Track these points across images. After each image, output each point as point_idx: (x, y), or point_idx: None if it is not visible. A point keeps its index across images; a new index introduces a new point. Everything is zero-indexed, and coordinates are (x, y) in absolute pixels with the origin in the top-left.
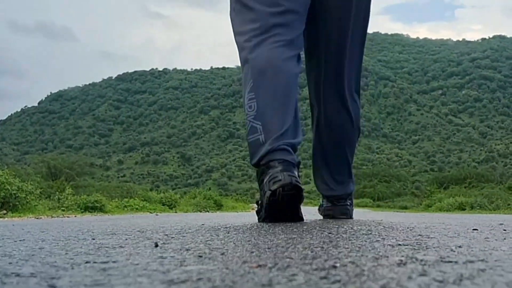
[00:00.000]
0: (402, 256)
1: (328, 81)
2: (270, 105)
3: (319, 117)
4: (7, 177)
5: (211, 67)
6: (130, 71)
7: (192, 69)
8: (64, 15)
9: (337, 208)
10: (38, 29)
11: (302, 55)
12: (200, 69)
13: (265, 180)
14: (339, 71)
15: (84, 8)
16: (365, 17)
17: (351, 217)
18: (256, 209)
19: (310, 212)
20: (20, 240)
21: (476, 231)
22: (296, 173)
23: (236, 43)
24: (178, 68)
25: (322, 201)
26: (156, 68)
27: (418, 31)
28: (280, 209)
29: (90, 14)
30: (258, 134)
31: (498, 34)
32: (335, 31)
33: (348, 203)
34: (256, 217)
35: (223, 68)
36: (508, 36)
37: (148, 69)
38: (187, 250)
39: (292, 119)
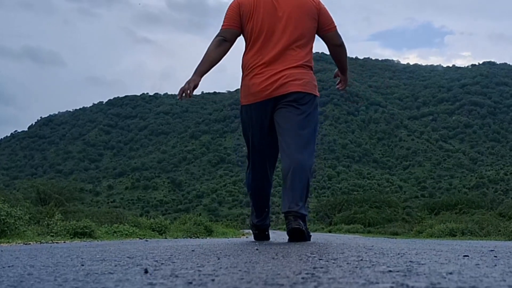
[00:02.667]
0: (393, 282)
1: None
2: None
3: None
4: None
5: (202, 92)
6: (120, 96)
7: None
8: (50, 40)
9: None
10: (25, 53)
11: None
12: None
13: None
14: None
15: (70, 32)
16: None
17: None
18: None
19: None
20: (8, 266)
21: (467, 257)
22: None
23: None
24: (169, 93)
25: None
26: (147, 93)
27: (408, 57)
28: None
29: (77, 39)
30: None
31: (488, 60)
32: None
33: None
34: (247, 242)
35: (214, 93)
36: (498, 62)
37: (139, 94)
38: (177, 276)
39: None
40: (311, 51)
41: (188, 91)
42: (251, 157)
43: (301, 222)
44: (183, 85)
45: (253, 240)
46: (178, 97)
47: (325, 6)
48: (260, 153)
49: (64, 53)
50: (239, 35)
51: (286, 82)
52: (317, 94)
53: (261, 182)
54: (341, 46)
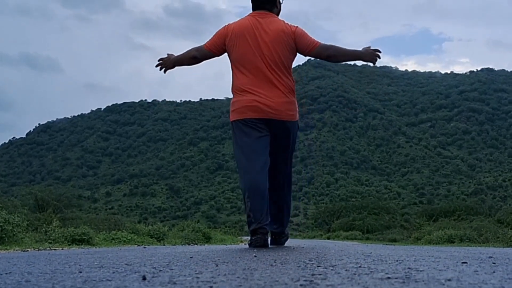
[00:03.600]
0: None
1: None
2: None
3: None
4: None
5: (200, 99)
6: (119, 102)
7: (181, 100)
8: (48, 46)
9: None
10: (23, 60)
11: None
12: (189, 101)
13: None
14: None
15: (68, 39)
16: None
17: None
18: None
19: (299, 244)
20: (6, 273)
21: (466, 264)
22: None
23: None
24: (167, 99)
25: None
26: (145, 100)
27: (406, 64)
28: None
29: (74, 45)
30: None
31: (486, 67)
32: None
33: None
34: (246, 249)
35: (212, 99)
36: (496, 69)
37: (137, 101)
38: (175, 283)
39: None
40: (290, 75)
41: (165, 61)
42: (244, 166)
43: (281, 238)
44: (165, 56)
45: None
46: (157, 63)
47: (301, 29)
48: (253, 162)
49: (61, 60)
50: (212, 57)
51: (276, 110)
52: (296, 118)
53: (254, 177)
54: (330, 56)
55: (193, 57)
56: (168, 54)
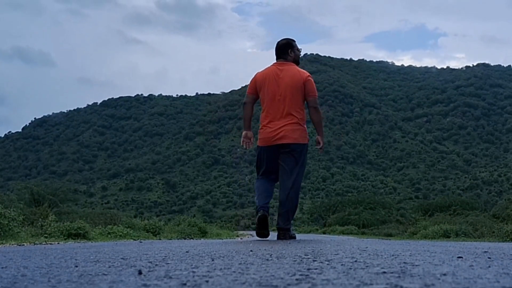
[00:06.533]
0: (387, 284)
1: None
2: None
3: None
4: None
5: (197, 93)
6: (113, 97)
7: (177, 95)
8: (40, 40)
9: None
10: (15, 54)
11: None
12: (186, 95)
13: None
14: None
15: (59, 33)
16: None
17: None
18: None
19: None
20: (2, 268)
21: (461, 258)
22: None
23: None
24: (164, 94)
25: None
26: (141, 94)
27: (402, 59)
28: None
29: (66, 39)
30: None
31: (482, 62)
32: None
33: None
34: (242, 243)
35: (209, 94)
36: (492, 64)
37: (133, 95)
38: (171, 277)
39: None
40: (302, 112)
41: (248, 142)
42: (260, 173)
43: (286, 234)
44: (241, 139)
45: (256, 232)
46: (244, 147)
47: (311, 79)
48: (267, 173)
49: (54, 54)
50: (257, 98)
51: (284, 135)
52: (306, 142)
53: (264, 181)
54: (316, 109)
55: (244, 105)
56: (243, 135)
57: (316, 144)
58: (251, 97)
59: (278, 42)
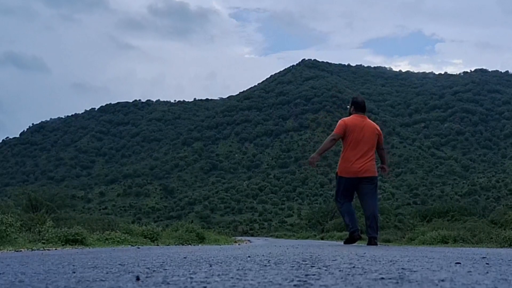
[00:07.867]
0: None
1: None
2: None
3: None
4: None
5: (194, 99)
6: (110, 102)
7: (175, 100)
8: (33, 46)
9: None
10: (8, 59)
11: None
12: (184, 101)
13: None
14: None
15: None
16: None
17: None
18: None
19: (293, 244)
20: None
21: (459, 264)
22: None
23: None
24: (162, 99)
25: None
26: (139, 100)
27: (400, 65)
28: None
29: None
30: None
31: (479, 67)
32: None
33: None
34: (237, 249)
35: (207, 99)
36: (489, 69)
37: (131, 101)
38: (169, 283)
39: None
40: (374, 150)
41: (314, 162)
42: (340, 196)
43: (376, 241)
44: (313, 159)
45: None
46: (310, 165)
47: (381, 131)
48: (348, 197)
49: (47, 59)
50: (342, 138)
51: (367, 169)
52: (376, 174)
53: (349, 205)
54: (384, 149)
55: (332, 140)
56: (315, 157)
57: (382, 171)
58: (338, 136)
59: (359, 100)
